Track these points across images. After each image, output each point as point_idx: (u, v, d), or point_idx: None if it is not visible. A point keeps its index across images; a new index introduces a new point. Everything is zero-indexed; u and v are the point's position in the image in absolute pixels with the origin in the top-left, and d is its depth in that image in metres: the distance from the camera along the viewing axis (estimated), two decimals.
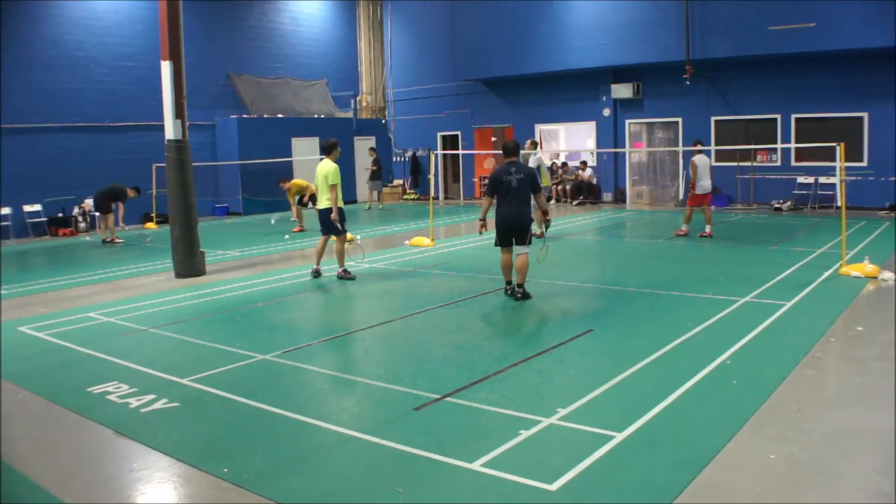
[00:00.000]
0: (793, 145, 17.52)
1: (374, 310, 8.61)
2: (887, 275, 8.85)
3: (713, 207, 18.40)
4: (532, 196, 8.42)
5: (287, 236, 15.70)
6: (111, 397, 5.49)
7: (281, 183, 17.05)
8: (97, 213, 17.02)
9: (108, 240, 15.83)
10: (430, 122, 25.33)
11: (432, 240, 13.43)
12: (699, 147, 13.27)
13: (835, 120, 17.66)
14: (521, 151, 13.06)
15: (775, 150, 18.48)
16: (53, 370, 6.35)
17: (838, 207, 14.85)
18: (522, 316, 7.84)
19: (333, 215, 9.91)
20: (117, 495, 3.99)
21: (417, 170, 25.71)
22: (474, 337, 6.96)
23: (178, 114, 10.90)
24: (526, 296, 8.36)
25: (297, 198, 16.53)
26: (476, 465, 4.06)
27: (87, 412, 5.21)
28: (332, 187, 9.86)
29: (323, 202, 10.05)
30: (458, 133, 24.64)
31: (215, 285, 10.17)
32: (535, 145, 14.29)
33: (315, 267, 10.42)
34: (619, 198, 21.44)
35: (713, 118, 19.60)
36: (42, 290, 10.38)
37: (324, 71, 25.16)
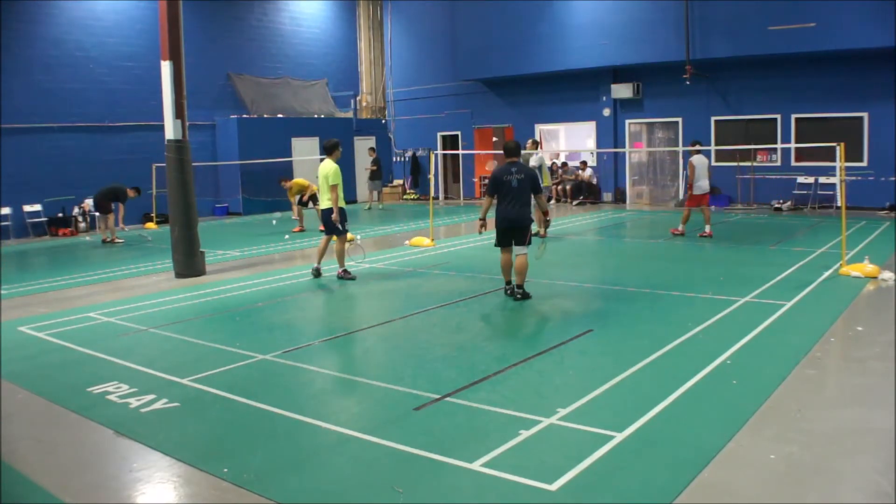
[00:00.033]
0: (793, 145, 17.52)
1: (374, 310, 8.61)
2: (887, 275, 8.85)
3: (713, 207, 18.42)
4: (532, 196, 8.42)
5: (287, 236, 15.70)
6: (111, 397, 5.49)
7: (282, 182, 17.06)
8: (97, 213, 17.03)
9: (108, 240, 15.84)
10: (430, 122, 25.33)
11: (432, 240, 13.43)
12: (698, 147, 13.27)
13: (835, 120, 17.66)
14: (522, 152, 13.11)
15: (775, 150, 18.48)
16: (53, 370, 6.35)
17: (838, 207, 14.86)
18: (522, 316, 7.84)
19: (334, 216, 9.91)
20: (117, 495, 3.99)
21: (417, 170, 25.72)
22: (474, 337, 6.96)
23: (178, 114, 10.90)
24: (526, 296, 8.36)
25: (297, 197, 16.52)
26: (476, 465, 4.06)
27: (87, 412, 5.21)
28: (333, 187, 9.85)
29: (324, 202, 10.05)
30: (458, 133, 24.64)
31: (215, 285, 10.17)
32: (535, 145, 14.30)
33: (316, 266, 10.42)
34: (619, 198, 21.44)
35: (713, 118, 19.60)
36: (42, 290, 10.38)
37: (324, 71, 25.16)
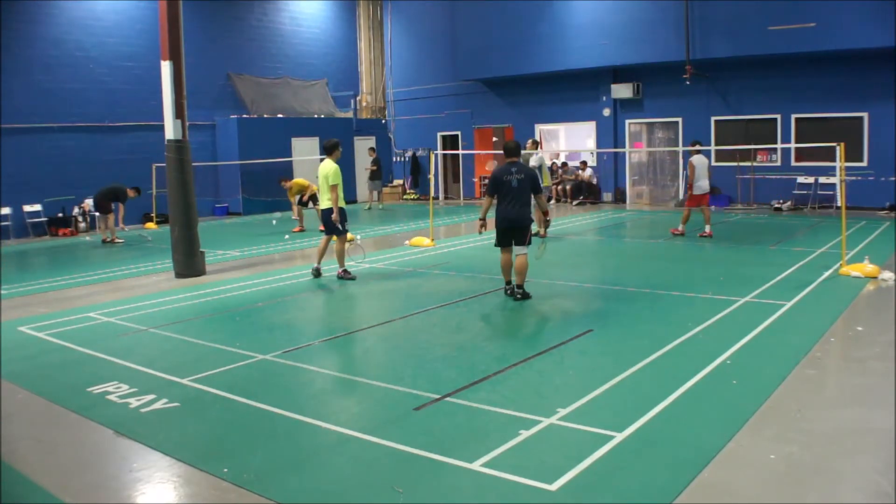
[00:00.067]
0: (793, 145, 17.52)
1: (374, 310, 8.61)
2: (887, 275, 8.85)
3: (713, 207, 18.41)
4: (532, 196, 8.42)
5: (287, 236, 15.70)
6: (111, 397, 5.49)
7: (282, 182, 17.04)
8: (97, 213, 17.03)
9: (108, 240, 15.84)
10: (430, 122, 25.33)
11: (432, 240, 13.43)
12: (698, 147, 13.27)
13: (835, 120, 17.67)
14: (522, 152, 13.13)
15: (775, 150, 18.48)
16: (53, 370, 6.35)
17: (838, 207, 14.86)
18: (522, 316, 7.84)
19: (334, 216, 9.90)
20: (117, 495, 3.99)
21: (417, 170, 25.72)
22: (474, 337, 6.96)
23: (178, 114, 10.90)
24: (526, 296, 8.36)
25: (297, 197, 16.51)
26: (476, 465, 4.06)
27: (87, 412, 5.21)
28: (333, 188, 9.85)
29: (324, 202, 10.05)
30: (458, 133, 24.64)
31: (215, 285, 10.17)
32: (536, 145, 14.31)
33: (316, 266, 10.42)
34: (619, 198, 21.44)
35: (713, 118, 19.60)
36: (42, 290, 10.38)
37: (324, 71, 25.16)
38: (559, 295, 8.75)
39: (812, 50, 16.81)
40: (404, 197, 25.48)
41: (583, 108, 21.81)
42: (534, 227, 9.48)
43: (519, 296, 8.36)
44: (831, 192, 17.57)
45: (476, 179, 24.44)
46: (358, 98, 26.42)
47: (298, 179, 16.95)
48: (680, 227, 13.55)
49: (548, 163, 19.10)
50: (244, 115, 22.09)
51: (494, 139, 24.05)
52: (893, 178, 16.83)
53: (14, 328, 7.89)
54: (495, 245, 8.56)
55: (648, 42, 19.02)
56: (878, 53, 16.39)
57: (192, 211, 11.04)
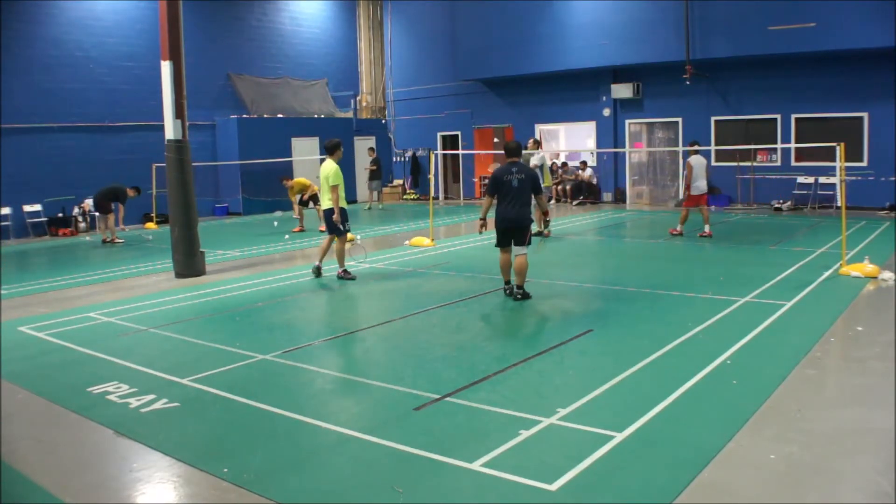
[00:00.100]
0: (793, 145, 17.52)
1: (374, 310, 8.60)
2: (887, 275, 8.85)
3: (713, 207, 18.44)
4: (533, 197, 8.42)
5: (287, 236, 15.70)
6: (111, 397, 5.49)
7: (283, 181, 17.02)
8: (97, 213, 17.03)
9: (108, 240, 15.84)
10: (430, 122, 25.33)
11: (432, 240, 13.43)
12: (696, 147, 13.30)
13: (835, 120, 17.67)
14: (524, 152, 13.17)
15: (775, 150, 18.48)
16: (53, 370, 6.35)
17: (838, 207, 14.86)
18: (522, 316, 7.84)
19: (335, 216, 9.90)
20: (117, 495, 3.99)
21: (417, 170, 25.72)
22: (474, 337, 6.96)
23: (178, 114, 10.90)
24: (526, 296, 8.36)
25: (298, 197, 16.49)
26: (476, 465, 4.06)
27: (87, 412, 5.21)
28: (333, 188, 9.85)
29: (325, 202, 10.05)
30: (458, 133, 24.64)
31: (215, 285, 10.17)
32: (537, 145, 14.32)
33: (317, 264, 10.40)
34: (619, 198, 21.45)
35: (713, 118, 19.61)
36: (42, 290, 10.38)
37: (324, 71, 25.16)
38: (559, 295, 8.75)
39: (812, 50, 16.81)
40: (404, 197, 25.49)
41: (583, 108, 21.81)
42: (534, 227, 9.48)
43: (519, 296, 8.35)
44: (831, 192, 17.57)
45: (476, 179, 24.44)
46: (358, 98, 26.42)
47: (300, 178, 16.93)
48: (678, 228, 13.56)
49: (548, 163, 19.11)
50: (244, 115, 22.09)
51: (496, 140, 24.03)
52: (893, 178, 16.84)
53: (14, 328, 7.89)
54: (496, 245, 8.56)
55: (648, 42, 19.02)
56: (878, 53, 16.39)
57: (192, 211, 11.04)
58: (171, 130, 10.88)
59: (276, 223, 17.09)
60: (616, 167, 21.70)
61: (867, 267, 9.09)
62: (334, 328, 7.72)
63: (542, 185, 13.25)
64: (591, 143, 22.05)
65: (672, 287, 8.87)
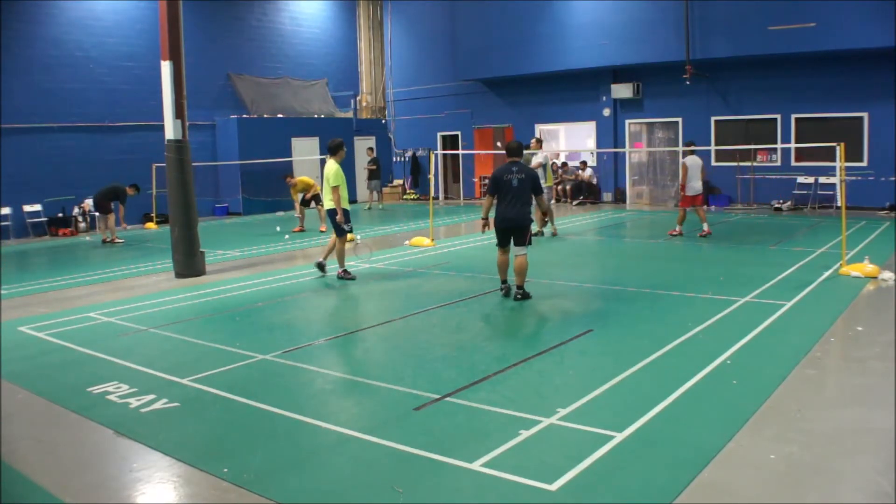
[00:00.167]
0: (793, 145, 17.52)
1: (374, 310, 8.61)
2: (887, 275, 8.85)
3: (713, 207, 18.49)
4: (533, 197, 8.42)
5: (287, 236, 15.70)
6: (111, 397, 5.49)
7: (287, 178, 16.97)
8: (97, 213, 17.03)
9: (108, 240, 15.84)
10: (430, 122, 25.33)
11: (432, 240, 13.43)
12: (692, 148, 13.34)
13: (835, 120, 17.67)
14: (526, 151, 13.23)
15: (775, 150, 18.48)
16: (53, 370, 6.35)
17: (838, 207, 14.86)
18: (522, 316, 7.84)
19: (339, 216, 9.89)
20: (117, 495, 3.99)
21: (417, 170, 25.72)
22: (474, 337, 6.96)
23: (178, 114, 10.90)
24: (526, 296, 8.36)
25: (300, 196, 16.46)
26: (476, 465, 4.06)
27: (87, 412, 5.21)
28: (334, 189, 9.84)
29: (327, 203, 10.05)
30: (458, 133, 24.64)
31: (215, 285, 10.17)
32: (539, 144, 14.33)
33: (321, 260, 10.37)
34: (619, 198, 21.45)
35: (713, 118, 19.60)
36: (42, 290, 10.38)
37: (324, 71, 25.16)
38: (559, 295, 8.75)
39: (812, 50, 16.81)
40: (404, 197, 25.48)
41: (583, 108, 21.81)
42: (534, 227, 9.49)
43: (519, 296, 8.35)
44: (831, 192, 17.57)
45: (476, 179, 24.44)
46: (358, 98, 26.42)
47: (303, 177, 16.86)
48: (677, 228, 13.57)
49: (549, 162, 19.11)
50: (244, 115, 22.09)
51: (497, 144, 23.96)
52: (893, 178, 16.83)
53: (14, 328, 7.89)
54: (496, 245, 8.56)
55: (648, 42, 19.02)
56: (878, 53, 16.39)
57: (192, 211, 11.04)
58: (171, 130, 10.89)
59: (278, 228, 16.82)
60: (616, 167, 21.70)
61: (867, 267, 9.09)
62: (334, 328, 7.72)
63: (545, 185, 13.38)
64: (591, 143, 22.05)
65: (672, 287, 8.87)
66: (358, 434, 4.59)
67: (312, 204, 16.05)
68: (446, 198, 25.20)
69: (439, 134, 25.17)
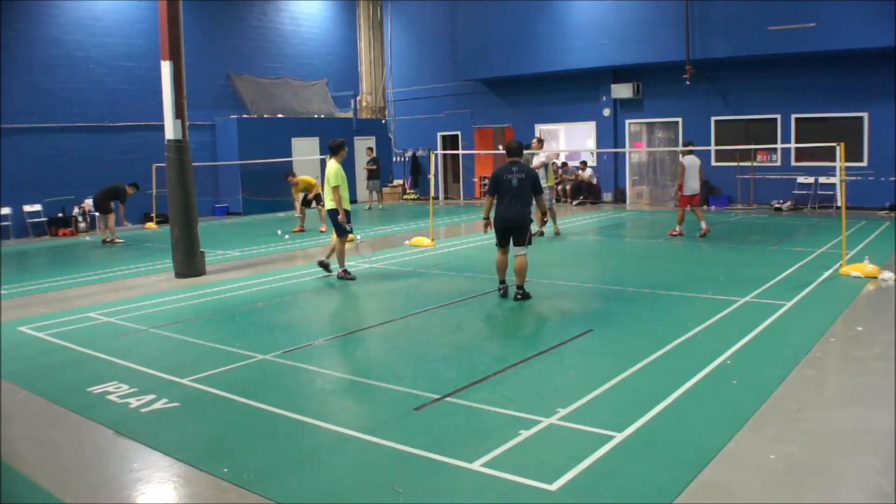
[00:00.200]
0: (793, 145, 17.52)
1: (374, 310, 8.61)
2: (887, 275, 8.85)
3: (713, 207, 18.50)
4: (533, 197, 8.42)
5: (287, 236, 15.70)
6: (111, 397, 5.49)
7: (289, 177, 16.93)
8: (97, 213, 17.03)
9: (108, 240, 15.84)
10: (430, 122, 25.33)
11: (432, 240, 13.43)
12: (690, 148, 13.36)
13: (835, 120, 17.67)
14: (527, 151, 13.24)
15: (775, 150, 18.48)
16: (53, 370, 6.35)
17: (838, 207, 14.86)
18: (522, 316, 7.84)
19: (340, 217, 9.88)
20: (117, 495, 3.99)
21: (417, 170, 25.72)
22: (474, 337, 6.96)
23: (178, 114, 10.90)
24: (526, 296, 8.36)
25: (301, 195, 16.44)
26: (476, 465, 4.06)
27: (87, 412, 5.21)
28: (335, 189, 9.84)
29: (328, 203, 10.05)
30: (458, 133, 24.64)
31: (215, 285, 10.17)
32: (541, 144, 14.34)
33: (325, 259, 10.36)
34: (619, 198, 21.44)
35: (713, 118, 19.60)
36: (42, 290, 10.38)
37: (324, 71, 25.16)
38: (559, 295, 8.75)
39: (812, 50, 16.81)
40: (404, 197, 25.48)
41: (583, 108, 21.81)
42: (534, 228, 9.49)
43: (519, 296, 8.35)
44: (831, 192, 17.57)
45: (476, 179, 24.44)
46: (358, 98, 26.42)
47: (305, 176, 16.81)
48: (677, 228, 13.58)
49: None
50: (244, 115, 22.09)
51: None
52: (893, 178, 16.83)
53: (14, 328, 7.89)
54: (495, 245, 8.56)
55: (648, 42, 19.02)
56: (878, 53, 16.39)
57: (192, 211, 11.05)
58: (171, 130, 10.89)
59: (279, 231, 16.65)
60: (616, 167, 21.70)
61: (867, 267, 9.09)
62: (334, 328, 7.72)
63: (546, 185, 13.39)
64: (591, 143, 22.05)
65: (672, 287, 8.87)
66: (358, 434, 4.59)
67: (314, 204, 16.03)
68: (446, 198, 25.20)
69: (439, 134, 25.17)
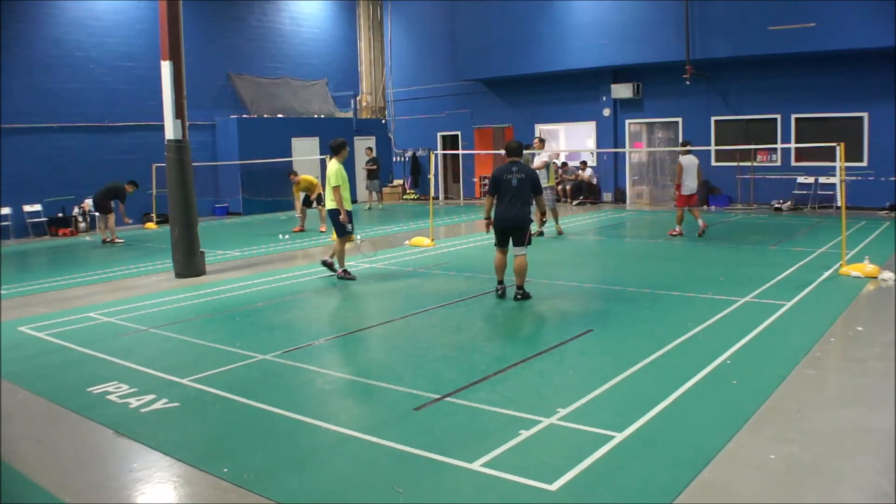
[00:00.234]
0: (793, 145, 17.52)
1: (374, 310, 8.61)
2: (887, 275, 8.85)
3: (713, 207, 18.50)
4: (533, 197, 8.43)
5: (287, 236, 15.70)
6: (111, 397, 5.49)
7: (291, 176, 16.89)
8: (97, 213, 17.03)
9: (108, 240, 15.84)
10: (430, 122, 25.33)
11: (432, 240, 13.43)
12: (688, 147, 13.38)
13: (835, 120, 17.66)
14: (528, 151, 13.25)
15: (775, 150, 18.48)
16: (53, 370, 6.35)
17: (838, 207, 14.85)
18: (522, 316, 7.84)
19: (342, 217, 9.88)
20: (117, 495, 3.99)
21: (417, 170, 25.71)
22: (474, 337, 6.96)
23: (178, 114, 10.90)
24: (526, 296, 8.36)
25: (303, 196, 16.42)
26: (476, 465, 4.06)
27: (87, 412, 5.21)
28: (335, 189, 9.83)
29: (329, 203, 10.05)
30: (458, 133, 24.64)
31: (215, 285, 10.17)
32: (542, 144, 14.34)
33: (328, 259, 10.35)
34: (619, 198, 21.44)
35: (713, 118, 19.60)
36: (42, 290, 10.38)
37: (324, 71, 25.16)
38: (559, 295, 8.74)
39: (812, 50, 16.81)
40: (404, 197, 25.49)
41: (583, 108, 21.80)
42: (534, 228, 9.49)
43: (519, 296, 8.35)
44: (831, 192, 17.56)
45: (476, 179, 24.44)
46: (358, 98, 26.42)
47: (307, 176, 16.76)
48: (677, 228, 13.58)
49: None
50: (244, 115, 22.09)
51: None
52: (893, 178, 16.83)
53: (14, 328, 7.89)
54: (495, 245, 8.57)
55: (648, 42, 19.02)
56: (878, 53, 16.39)
57: (192, 211, 11.05)
58: (171, 130, 10.89)
59: (280, 236, 16.48)
60: (616, 167, 21.70)
61: (867, 267, 9.09)
62: (335, 328, 7.72)
63: (547, 185, 13.40)
64: (591, 143, 22.04)
65: (672, 287, 8.87)
66: (358, 434, 4.59)
67: (315, 204, 16.02)
68: (446, 198, 25.20)
69: (439, 134, 25.17)
